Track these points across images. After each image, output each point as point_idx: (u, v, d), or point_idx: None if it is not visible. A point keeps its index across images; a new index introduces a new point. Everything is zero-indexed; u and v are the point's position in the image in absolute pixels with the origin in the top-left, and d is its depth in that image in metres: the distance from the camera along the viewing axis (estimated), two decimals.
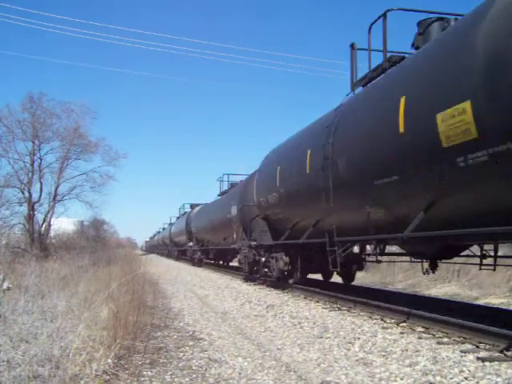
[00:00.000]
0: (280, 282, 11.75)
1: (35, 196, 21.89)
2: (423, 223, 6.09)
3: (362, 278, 17.66)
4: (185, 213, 37.28)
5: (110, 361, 4.45)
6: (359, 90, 8.57)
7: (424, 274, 7.69)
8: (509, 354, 4.75)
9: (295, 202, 10.34)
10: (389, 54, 7.65)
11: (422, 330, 6.25)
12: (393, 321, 6.91)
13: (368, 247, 9.28)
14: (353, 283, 11.57)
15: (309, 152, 9.32)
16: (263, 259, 12.51)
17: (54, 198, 22.65)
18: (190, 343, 5.80)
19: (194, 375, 4.40)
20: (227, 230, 18.51)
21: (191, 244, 28.39)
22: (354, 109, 8.13)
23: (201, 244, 25.98)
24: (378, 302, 7.77)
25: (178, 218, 42.85)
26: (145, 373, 4.43)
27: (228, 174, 22.95)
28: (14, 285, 7.95)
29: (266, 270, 12.48)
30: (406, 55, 7.52)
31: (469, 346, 5.20)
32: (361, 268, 11.30)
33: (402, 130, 6.13)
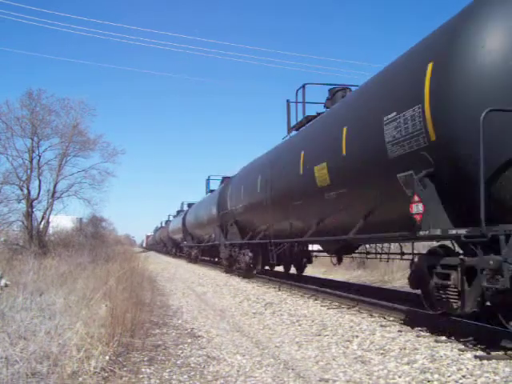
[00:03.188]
0: (247, 272, 14.87)
1: (34, 193, 21.82)
2: (316, 232, 9.38)
3: (359, 276, 17.67)
4: (182, 210, 37.48)
5: (108, 358, 4.45)
6: (293, 133, 11.67)
7: (334, 264, 11.69)
8: (507, 352, 4.76)
9: (252, 213, 13.92)
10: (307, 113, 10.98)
11: (420, 328, 6.26)
12: (391, 319, 6.92)
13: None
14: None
15: (259, 178, 12.76)
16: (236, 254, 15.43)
17: (53, 195, 22.58)
18: (189, 340, 5.81)
19: (193, 372, 4.41)
20: (212, 228, 20.00)
21: (187, 241, 28.84)
22: (280, 153, 11.76)
23: (196, 241, 26.51)
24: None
25: (174, 216, 43.02)
26: (143, 370, 4.42)
27: (214, 175, 26.18)
28: (12, 282, 7.93)
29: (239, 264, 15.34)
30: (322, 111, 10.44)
31: (467, 345, 5.20)
32: (310, 262, 14.41)
33: (301, 172, 9.39)
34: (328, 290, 9.81)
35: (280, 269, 15.58)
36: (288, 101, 11.68)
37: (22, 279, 8.56)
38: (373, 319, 7.02)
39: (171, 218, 46.85)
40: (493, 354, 4.74)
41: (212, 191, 24.09)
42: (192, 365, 4.68)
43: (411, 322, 6.45)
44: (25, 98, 21.77)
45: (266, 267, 15.55)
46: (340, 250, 10.42)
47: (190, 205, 33.91)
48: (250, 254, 14.27)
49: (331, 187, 8.06)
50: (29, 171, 21.65)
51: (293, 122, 11.54)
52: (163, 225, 54.64)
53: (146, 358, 4.85)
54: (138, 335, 5.72)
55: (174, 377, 4.26)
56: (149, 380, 4.16)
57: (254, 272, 14.65)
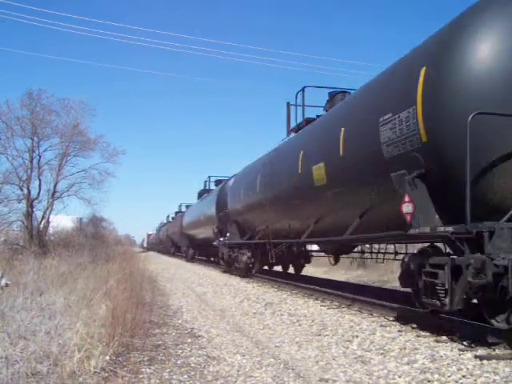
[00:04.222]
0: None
1: (34, 193, 21.85)
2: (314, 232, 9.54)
3: (359, 276, 17.68)
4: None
5: (108, 358, 4.45)
6: (292, 135, 11.69)
7: (332, 264, 11.65)
8: (506, 352, 4.76)
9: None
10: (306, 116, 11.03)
11: (419, 327, 6.25)
12: (391, 318, 6.91)
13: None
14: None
15: (258, 177, 12.89)
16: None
17: (53, 195, 22.59)
18: (189, 340, 5.81)
19: (193, 372, 4.41)
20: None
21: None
22: (280, 153, 11.61)
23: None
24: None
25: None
26: (143, 370, 4.42)
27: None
28: (12, 282, 7.94)
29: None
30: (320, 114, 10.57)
31: (467, 345, 5.20)
32: (308, 261, 14.79)
33: (299, 171, 9.48)
34: (328, 290, 9.79)
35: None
36: (288, 103, 11.62)
37: (23, 279, 8.57)
38: (373, 319, 7.02)
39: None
40: (493, 354, 4.75)
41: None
42: (192, 365, 4.68)
43: (403, 319, 6.60)
44: (25, 97, 21.81)
45: None
46: (337, 250, 10.79)
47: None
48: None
49: (328, 186, 8.17)
50: (29, 171, 21.68)
51: (292, 124, 11.49)
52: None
53: (146, 358, 4.85)
54: (138, 335, 5.73)
55: (174, 377, 4.26)
56: (149, 380, 4.16)
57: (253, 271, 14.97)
